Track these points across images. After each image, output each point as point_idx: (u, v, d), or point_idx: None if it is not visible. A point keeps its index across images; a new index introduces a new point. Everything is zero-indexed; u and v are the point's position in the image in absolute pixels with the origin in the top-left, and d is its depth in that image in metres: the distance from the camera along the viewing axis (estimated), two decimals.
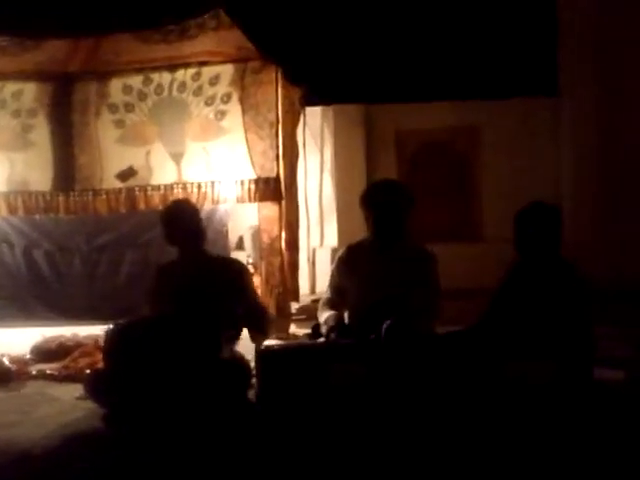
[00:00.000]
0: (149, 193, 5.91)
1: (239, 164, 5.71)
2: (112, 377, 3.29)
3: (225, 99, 5.74)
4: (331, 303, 3.72)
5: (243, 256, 6.74)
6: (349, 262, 3.70)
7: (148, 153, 5.93)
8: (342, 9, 8.47)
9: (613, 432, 2.74)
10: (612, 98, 7.36)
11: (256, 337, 3.72)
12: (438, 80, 8.37)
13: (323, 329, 3.58)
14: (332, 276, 3.78)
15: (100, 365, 3.75)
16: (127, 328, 3.38)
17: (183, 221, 3.76)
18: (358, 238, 3.88)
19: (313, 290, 7.71)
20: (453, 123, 8.37)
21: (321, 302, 3.78)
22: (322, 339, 3.56)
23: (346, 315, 3.73)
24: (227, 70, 5.76)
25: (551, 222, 3.28)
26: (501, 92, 8.05)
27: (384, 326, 3.21)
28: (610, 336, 4.10)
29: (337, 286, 3.74)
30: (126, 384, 3.18)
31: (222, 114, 5.75)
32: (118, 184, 5.98)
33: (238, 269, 3.91)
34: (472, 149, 8.47)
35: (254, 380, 3.35)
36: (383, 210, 3.55)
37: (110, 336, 3.37)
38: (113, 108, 6.00)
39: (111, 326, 3.42)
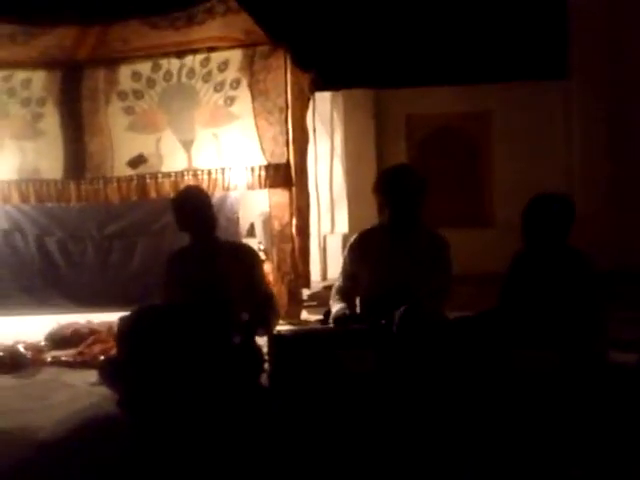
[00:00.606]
0: (160, 180, 5.92)
1: (249, 150, 5.70)
2: (126, 363, 3.30)
3: (234, 85, 5.72)
4: (343, 291, 3.71)
5: (254, 243, 6.75)
6: (361, 249, 3.69)
7: (158, 140, 5.93)
8: None
9: (626, 415, 2.73)
10: (622, 80, 7.32)
11: (262, 327, 3.69)
12: (448, 64, 8.34)
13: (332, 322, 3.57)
14: (344, 263, 3.77)
15: (114, 352, 3.77)
16: (140, 315, 3.38)
17: (194, 207, 3.76)
18: (369, 224, 3.87)
19: (324, 276, 7.72)
20: (464, 108, 8.33)
21: (333, 290, 3.77)
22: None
23: (358, 302, 3.73)
24: (236, 56, 5.75)
25: (561, 215, 3.22)
26: (511, 75, 8.01)
27: (397, 313, 3.21)
28: (622, 319, 4.08)
29: (349, 273, 3.73)
30: (140, 370, 3.19)
31: (231, 100, 5.74)
32: (129, 172, 6.00)
33: (250, 255, 3.90)
34: (483, 134, 8.43)
35: (266, 365, 3.35)
36: (400, 196, 3.53)
37: (124, 323, 3.37)
38: (122, 95, 6.00)
39: (125, 314, 3.44)
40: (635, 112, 7.30)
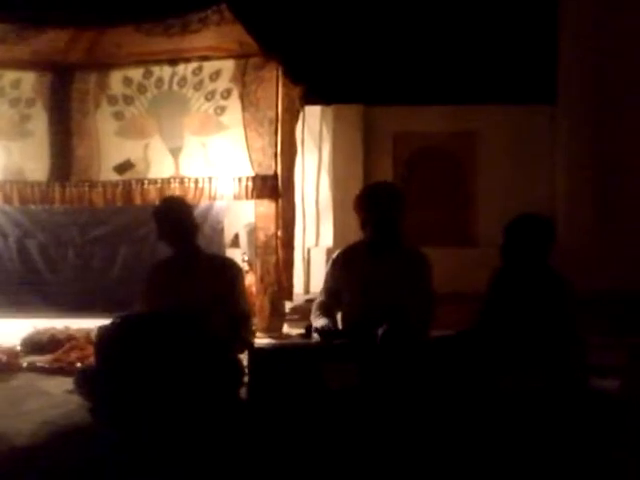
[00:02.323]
0: (146, 187, 5.87)
1: (237, 160, 5.69)
2: (103, 372, 3.27)
3: (225, 95, 5.72)
4: (324, 307, 3.71)
5: (238, 253, 6.74)
6: (343, 265, 3.69)
7: (146, 146, 5.90)
8: (344, 10, 8.48)
9: (607, 441, 2.73)
10: (608, 106, 7.41)
11: (237, 343, 3.67)
12: (437, 84, 8.41)
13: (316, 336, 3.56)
14: (326, 279, 3.77)
15: (91, 359, 3.73)
16: (119, 325, 3.35)
17: (174, 219, 3.74)
18: (354, 239, 3.88)
19: (307, 290, 7.71)
20: (451, 128, 8.40)
21: (314, 305, 3.76)
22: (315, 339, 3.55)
23: (339, 317, 3.72)
24: (228, 66, 5.74)
25: (541, 235, 3.26)
26: (499, 97, 8.10)
27: (379, 331, 3.22)
28: (606, 345, 4.10)
29: (331, 289, 3.72)
30: (117, 380, 3.16)
31: (222, 110, 5.73)
32: (115, 177, 5.95)
33: (231, 270, 3.88)
34: (469, 154, 8.49)
35: (246, 378, 3.33)
36: (378, 213, 3.54)
37: (102, 332, 3.35)
38: (112, 100, 5.97)
39: (104, 322, 3.40)
40: (620, 135, 7.39)
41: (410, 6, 8.66)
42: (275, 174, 5.64)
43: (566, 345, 3.12)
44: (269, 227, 5.70)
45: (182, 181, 5.81)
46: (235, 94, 5.70)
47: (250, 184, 5.65)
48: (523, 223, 3.29)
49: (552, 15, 7.76)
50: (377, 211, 3.55)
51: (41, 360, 4.42)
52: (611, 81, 7.37)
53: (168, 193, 5.73)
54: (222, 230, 6.66)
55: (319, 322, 3.60)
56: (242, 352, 3.44)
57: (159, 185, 5.85)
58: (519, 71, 8.31)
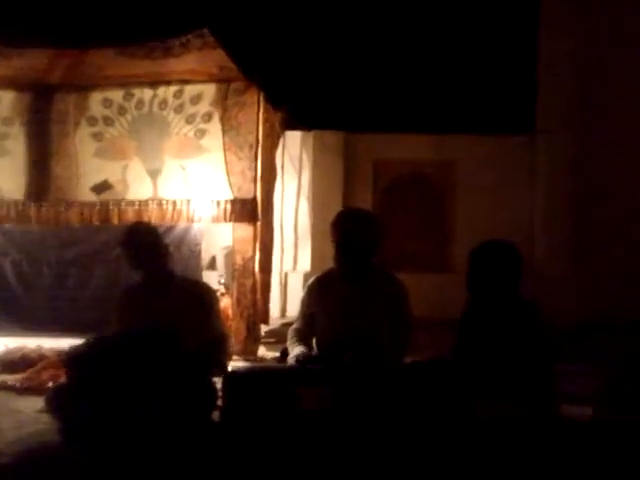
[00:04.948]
0: (123, 208, 5.86)
1: (216, 184, 5.70)
2: (74, 392, 3.23)
3: (206, 118, 5.74)
4: (300, 334, 3.70)
5: (215, 276, 6.72)
6: (318, 293, 3.68)
7: (125, 168, 5.89)
8: (327, 38, 8.60)
9: (579, 470, 2.74)
10: (587, 135, 7.52)
11: (214, 366, 3.65)
12: (417, 112, 8.52)
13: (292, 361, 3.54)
14: (302, 305, 3.76)
15: (63, 379, 3.69)
16: (91, 345, 3.32)
17: (141, 244, 3.72)
18: (331, 265, 3.87)
19: (284, 314, 7.70)
20: (430, 156, 8.50)
21: (290, 332, 3.74)
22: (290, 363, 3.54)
23: (314, 343, 3.71)
24: (209, 90, 5.78)
25: (505, 262, 3.20)
26: (479, 127, 8.22)
27: (344, 359, 3.22)
28: (580, 372, 4.13)
29: (306, 316, 3.72)
30: (88, 400, 3.12)
31: (202, 133, 5.76)
32: (93, 197, 5.93)
33: (206, 294, 3.87)
34: (447, 182, 8.59)
35: (219, 402, 3.30)
36: (347, 238, 3.52)
37: (74, 353, 3.31)
38: (92, 121, 5.97)
39: (76, 342, 3.37)
40: (598, 165, 7.50)
41: (392, 35, 8.81)
42: (254, 198, 5.65)
43: (536, 373, 3.12)
44: (247, 250, 5.70)
45: (160, 203, 5.80)
46: (216, 118, 5.73)
47: (229, 207, 5.66)
48: (486, 249, 3.24)
49: (532, 45, 7.92)
50: (342, 237, 3.53)
51: (12, 379, 4.37)
52: (590, 111, 7.50)
53: (146, 214, 5.72)
54: (199, 252, 6.64)
55: (296, 350, 3.58)
56: (219, 375, 3.41)
57: (137, 207, 5.83)
58: (498, 101, 8.46)
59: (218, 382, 3.36)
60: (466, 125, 8.29)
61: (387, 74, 8.81)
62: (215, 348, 3.72)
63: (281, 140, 6.85)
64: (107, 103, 5.95)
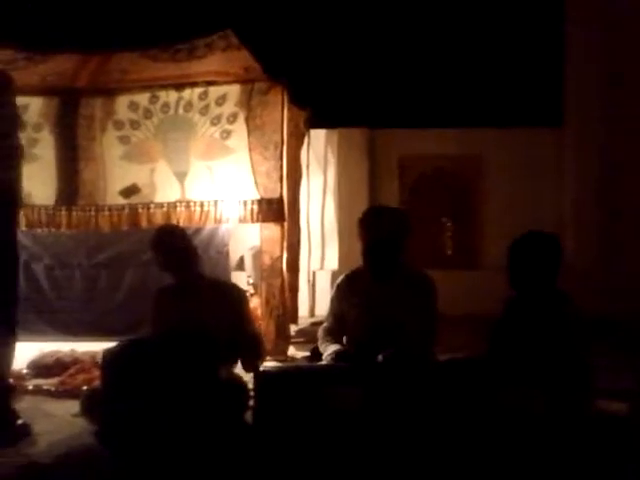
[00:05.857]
0: (152, 211, 5.89)
1: (243, 184, 5.71)
2: (109, 395, 3.26)
3: (231, 119, 5.75)
4: (332, 332, 3.68)
5: (243, 277, 6.74)
6: (347, 290, 3.66)
7: (152, 171, 5.93)
8: (350, 35, 8.58)
9: (614, 465, 2.70)
10: (615, 129, 7.42)
11: (247, 366, 3.67)
12: (443, 107, 8.47)
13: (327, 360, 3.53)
14: (331, 305, 3.73)
15: (97, 383, 3.72)
16: (125, 348, 3.35)
17: (170, 247, 3.73)
18: (359, 262, 3.85)
19: (312, 313, 7.70)
20: (456, 151, 8.43)
21: (321, 331, 3.72)
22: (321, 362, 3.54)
23: (345, 341, 3.69)
24: (234, 90, 5.78)
25: (547, 253, 3.08)
26: (506, 121, 8.14)
27: (381, 356, 3.20)
28: (613, 367, 4.07)
29: (336, 315, 3.70)
30: (123, 403, 3.14)
31: (228, 134, 5.77)
32: (121, 201, 5.98)
33: (235, 295, 3.88)
34: (475, 177, 8.52)
35: (251, 402, 3.31)
36: (375, 237, 3.49)
37: (108, 356, 3.34)
38: (119, 124, 6.01)
39: (109, 345, 3.40)
40: (627, 157, 7.39)
41: (416, 30, 8.76)
42: (280, 197, 5.65)
43: (571, 368, 3.08)
44: (274, 250, 5.70)
45: (188, 205, 5.83)
46: (241, 118, 5.74)
47: (255, 207, 5.66)
48: (528, 241, 3.13)
49: (559, 38, 7.83)
50: (372, 234, 3.51)
51: (47, 383, 4.43)
52: (618, 103, 7.40)
53: (174, 217, 5.75)
54: (227, 253, 6.65)
55: (331, 348, 3.56)
56: (254, 372, 3.41)
57: (165, 209, 5.87)
58: (525, 94, 8.37)
59: (250, 382, 3.37)
60: (492, 119, 8.21)
61: (411, 69, 8.76)
62: (250, 349, 3.73)
63: (306, 138, 6.85)
64: (133, 106, 5.99)
